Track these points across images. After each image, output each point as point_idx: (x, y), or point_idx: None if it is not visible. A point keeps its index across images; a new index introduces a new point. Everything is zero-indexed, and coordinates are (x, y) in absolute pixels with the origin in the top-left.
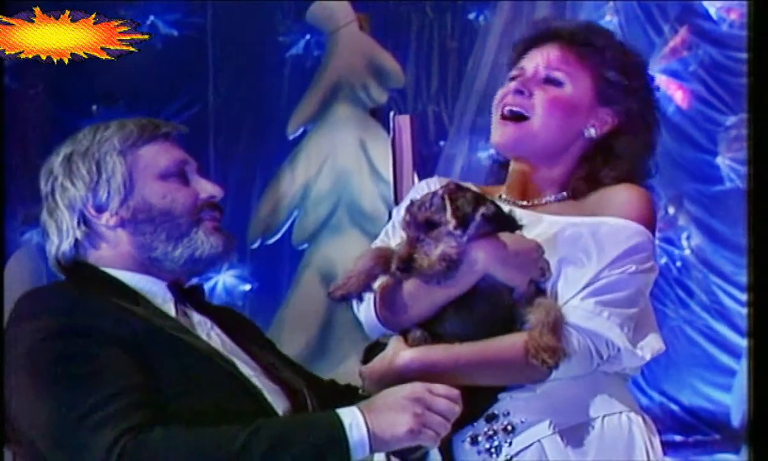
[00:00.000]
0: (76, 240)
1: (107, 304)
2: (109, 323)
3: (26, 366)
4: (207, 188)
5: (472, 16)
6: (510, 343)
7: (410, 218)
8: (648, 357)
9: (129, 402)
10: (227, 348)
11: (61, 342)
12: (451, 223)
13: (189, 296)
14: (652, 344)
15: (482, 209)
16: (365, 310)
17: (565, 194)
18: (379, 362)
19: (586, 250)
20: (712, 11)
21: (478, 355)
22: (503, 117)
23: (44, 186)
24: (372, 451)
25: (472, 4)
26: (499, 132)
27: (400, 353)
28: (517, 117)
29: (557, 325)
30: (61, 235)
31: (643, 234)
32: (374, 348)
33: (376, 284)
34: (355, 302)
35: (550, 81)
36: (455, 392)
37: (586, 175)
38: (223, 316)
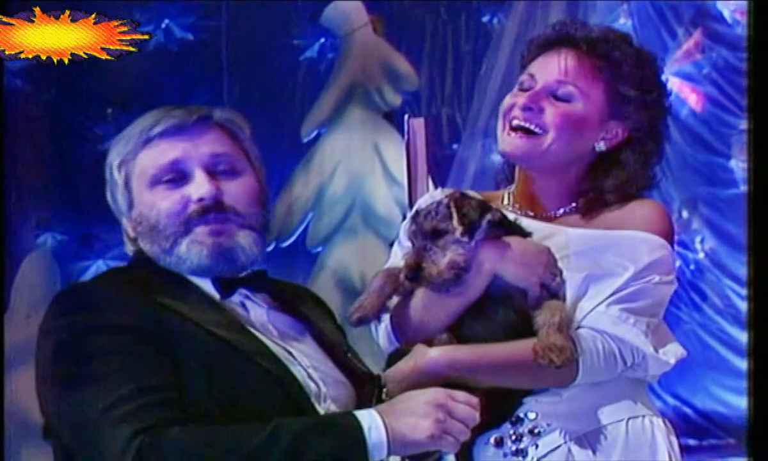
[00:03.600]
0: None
1: (147, 302)
2: (144, 321)
3: (58, 359)
4: (197, 190)
5: (486, 18)
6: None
7: (416, 228)
8: (673, 362)
9: (151, 399)
10: (283, 338)
11: (93, 338)
12: (458, 230)
13: (249, 282)
14: (674, 350)
15: (488, 216)
16: (382, 332)
17: (570, 205)
18: (404, 363)
19: (609, 261)
20: (726, 14)
21: (504, 356)
22: (513, 128)
23: None
24: (390, 454)
25: (486, 6)
26: (509, 142)
27: (426, 352)
28: (527, 130)
29: (563, 325)
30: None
31: (665, 248)
32: (396, 355)
33: (391, 304)
34: (374, 326)
35: (561, 98)
36: (476, 399)
37: (589, 188)
38: (296, 298)
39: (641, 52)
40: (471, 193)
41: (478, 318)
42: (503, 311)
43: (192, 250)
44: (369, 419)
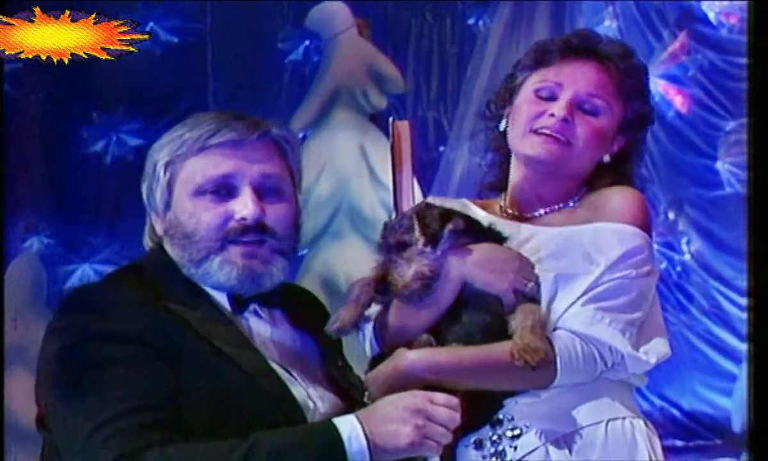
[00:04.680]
0: (154, 232)
1: (156, 309)
2: (149, 331)
3: (61, 362)
4: (242, 208)
5: (471, 21)
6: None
7: (383, 241)
8: (653, 361)
9: (142, 420)
10: (283, 357)
11: (98, 345)
12: (420, 240)
13: (262, 297)
14: (657, 349)
15: (450, 225)
16: (368, 343)
17: (557, 205)
18: (383, 366)
19: (583, 257)
20: (711, 16)
21: (483, 358)
22: (541, 133)
23: None
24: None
25: (472, 9)
26: (539, 145)
27: (406, 355)
28: (557, 138)
29: (536, 326)
30: (146, 223)
31: (639, 237)
32: (378, 358)
33: (371, 312)
34: (361, 335)
35: (588, 110)
36: (455, 400)
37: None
38: (302, 308)
39: (640, 63)
40: (445, 201)
41: (454, 323)
42: (479, 315)
43: (223, 269)
44: (349, 427)
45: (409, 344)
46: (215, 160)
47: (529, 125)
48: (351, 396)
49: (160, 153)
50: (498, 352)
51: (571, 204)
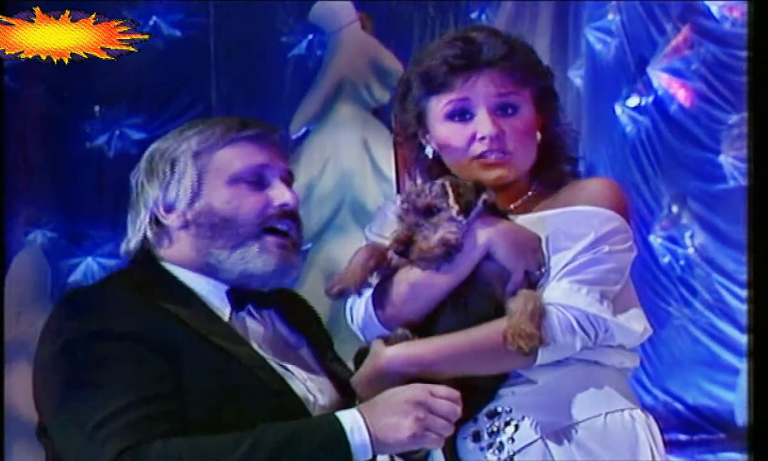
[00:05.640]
0: (145, 236)
1: (151, 308)
2: (147, 328)
3: (59, 363)
4: (280, 196)
5: (474, 15)
6: (492, 330)
7: (409, 206)
8: (640, 330)
9: (146, 412)
10: (279, 354)
11: (97, 345)
12: (454, 208)
13: (253, 296)
14: (638, 318)
15: (484, 195)
16: (361, 311)
17: (524, 196)
18: (364, 367)
19: (560, 239)
20: (714, 9)
21: (461, 343)
22: (481, 160)
23: (132, 181)
24: (374, 454)
25: (475, 3)
26: (487, 176)
27: (381, 352)
28: (500, 158)
29: (535, 313)
30: (134, 230)
31: (615, 220)
32: (361, 355)
33: (373, 279)
34: (350, 302)
35: (508, 108)
36: (456, 393)
37: (541, 174)
38: (290, 307)
39: (516, 44)
40: (424, 187)
41: (455, 308)
42: (481, 302)
43: (261, 256)
44: (351, 420)
45: (386, 341)
46: (251, 150)
47: (465, 155)
48: (348, 388)
49: (179, 149)
50: (476, 336)
51: (532, 191)
